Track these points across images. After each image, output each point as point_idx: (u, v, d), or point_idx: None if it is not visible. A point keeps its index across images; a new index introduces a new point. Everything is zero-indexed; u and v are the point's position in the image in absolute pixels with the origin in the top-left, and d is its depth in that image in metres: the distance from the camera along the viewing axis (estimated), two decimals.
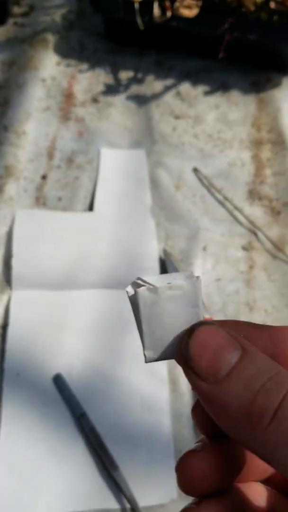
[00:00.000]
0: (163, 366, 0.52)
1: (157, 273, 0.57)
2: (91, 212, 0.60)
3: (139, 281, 0.19)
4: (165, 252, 0.58)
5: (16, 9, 0.76)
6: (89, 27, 0.75)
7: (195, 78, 0.72)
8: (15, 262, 0.55)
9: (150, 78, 0.71)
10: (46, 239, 0.57)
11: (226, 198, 0.62)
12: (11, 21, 0.75)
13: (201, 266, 0.58)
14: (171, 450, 0.48)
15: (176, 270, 0.57)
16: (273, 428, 0.16)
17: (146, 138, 0.66)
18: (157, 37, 0.72)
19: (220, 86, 0.72)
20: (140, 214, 0.60)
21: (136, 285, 0.19)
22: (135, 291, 0.19)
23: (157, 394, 0.50)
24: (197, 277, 0.19)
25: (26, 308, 0.53)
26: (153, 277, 0.19)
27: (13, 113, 0.65)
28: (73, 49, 0.72)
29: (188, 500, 0.44)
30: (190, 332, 0.18)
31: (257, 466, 0.20)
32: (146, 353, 0.19)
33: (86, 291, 0.55)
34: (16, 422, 0.48)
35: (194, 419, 0.20)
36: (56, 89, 0.68)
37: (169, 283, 0.19)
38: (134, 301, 0.19)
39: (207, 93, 0.71)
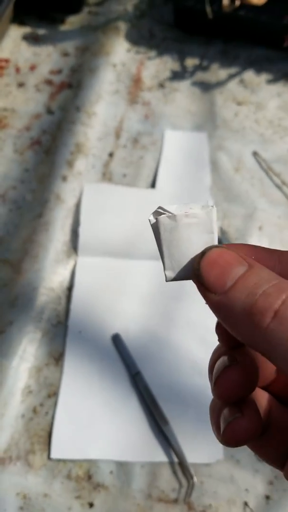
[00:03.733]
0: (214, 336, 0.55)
1: None
2: (153, 189, 0.63)
3: (160, 210, 0.21)
4: (221, 230, 0.61)
5: None
6: (159, 17, 0.79)
7: (259, 67, 0.74)
8: (81, 231, 0.59)
9: (215, 66, 0.74)
10: (111, 211, 0.61)
11: (284, 183, 0.64)
12: (85, 10, 0.79)
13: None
14: None
15: None
16: (273, 326, 0.17)
17: (209, 123, 0.69)
18: (224, 26, 0.75)
19: (283, 75, 0.73)
20: (200, 193, 0.63)
21: (157, 214, 0.21)
22: (157, 219, 0.21)
23: (208, 359, 0.53)
24: (212, 207, 0.21)
25: (90, 272, 0.57)
26: (173, 206, 0.21)
27: (85, 95, 0.69)
28: (143, 37, 0.76)
29: (232, 462, 0.47)
30: (202, 253, 0.20)
31: (261, 373, 0.23)
32: (166, 273, 0.21)
33: (145, 262, 0.59)
34: (77, 374, 0.52)
35: (217, 334, 0.23)
36: (126, 74, 0.72)
37: (186, 212, 0.21)
38: (155, 228, 0.21)
39: (270, 82, 0.73)
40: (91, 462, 0.49)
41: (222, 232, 0.60)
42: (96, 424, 0.51)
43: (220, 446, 0.50)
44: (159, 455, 0.50)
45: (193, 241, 0.21)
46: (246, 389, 0.22)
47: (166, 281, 0.22)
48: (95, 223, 0.60)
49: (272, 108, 0.70)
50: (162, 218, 0.21)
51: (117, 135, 0.67)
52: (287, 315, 0.17)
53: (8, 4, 0.72)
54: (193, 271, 0.20)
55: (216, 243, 0.21)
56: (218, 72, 0.73)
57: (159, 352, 0.54)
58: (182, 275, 0.21)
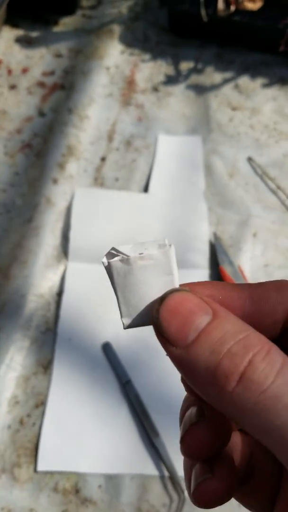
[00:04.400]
0: None
1: (207, 255, 0.58)
2: (146, 193, 0.62)
3: (113, 251, 0.19)
4: (215, 236, 0.59)
5: (85, 2, 0.80)
6: (153, 20, 0.78)
7: (254, 71, 0.73)
8: (72, 235, 0.58)
9: (209, 69, 0.73)
10: (102, 216, 0.60)
11: (279, 187, 0.63)
12: (79, 12, 0.79)
13: (250, 252, 0.59)
14: None
15: (225, 254, 0.58)
16: (239, 391, 0.16)
17: (203, 126, 0.68)
18: (218, 31, 0.74)
19: (278, 79, 0.72)
20: (193, 197, 0.62)
21: (110, 255, 0.19)
22: (109, 263, 0.19)
23: None
24: (170, 246, 0.19)
25: (80, 278, 0.56)
26: (128, 246, 0.19)
27: (78, 98, 0.68)
28: (137, 40, 0.75)
29: None
30: (161, 299, 0.18)
31: None
32: (123, 320, 0.20)
33: None
34: (65, 383, 0.51)
35: (183, 384, 0.21)
36: (119, 76, 0.71)
37: (141, 253, 0.19)
38: (108, 271, 0.19)
39: (265, 86, 0.72)
40: (79, 475, 0.47)
41: (216, 238, 0.59)
42: (85, 435, 0.49)
43: None
44: (149, 468, 0.48)
45: (151, 284, 0.19)
46: (215, 448, 0.20)
47: (124, 328, 0.20)
48: (86, 228, 0.59)
49: (267, 112, 0.69)
50: (114, 262, 0.19)
51: (110, 138, 0.66)
52: (253, 378, 0.16)
53: (1, 5, 0.71)
54: (152, 320, 0.18)
55: (177, 285, 0.19)
56: (213, 76, 0.72)
57: (150, 361, 0.53)
58: (140, 322, 0.20)
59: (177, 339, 0.17)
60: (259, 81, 0.72)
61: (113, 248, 0.19)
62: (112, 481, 0.47)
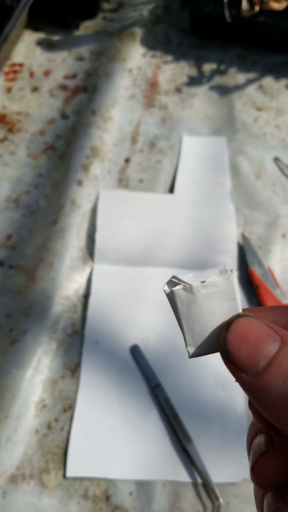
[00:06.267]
0: None
1: (236, 257, 0.57)
2: (171, 194, 0.61)
3: (175, 280, 0.19)
4: (243, 237, 0.58)
5: (106, 5, 0.80)
6: (175, 22, 0.77)
7: (278, 72, 0.72)
8: (98, 237, 0.57)
9: (233, 70, 0.72)
10: (128, 217, 0.59)
11: None
12: (100, 15, 0.78)
13: (279, 253, 0.57)
14: (245, 429, 0.48)
15: (254, 255, 0.57)
16: None
17: (227, 127, 0.67)
18: (242, 32, 0.74)
19: None
20: (220, 198, 0.61)
21: (172, 284, 0.19)
22: (172, 290, 0.19)
23: None
24: (231, 271, 0.19)
25: (107, 280, 0.55)
26: (188, 275, 0.20)
27: (101, 99, 0.67)
28: (159, 42, 0.75)
29: None
30: (227, 326, 0.18)
31: None
32: (188, 349, 0.20)
33: (163, 269, 0.56)
34: (93, 387, 0.50)
35: (251, 411, 0.21)
36: (142, 78, 0.71)
37: (204, 281, 0.19)
38: (171, 299, 0.19)
39: None
40: (110, 482, 0.46)
41: (244, 240, 0.58)
42: (115, 440, 0.48)
43: (246, 464, 0.47)
44: (182, 475, 0.46)
45: (215, 311, 0.19)
46: (287, 476, 0.19)
47: (189, 357, 0.20)
48: (112, 229, 0.58)
49: None
50: (178, 291, 0.19)
51: (133, 140, 0.66)
52: None
53: (23, 9, 0.71)
54: (220, 347, 0.18)
55: (240, 310, 0.20)
56: (236, 76, 0.72)
57: (179, 364, 0.51)
58: (206, 350, 0.20)
59: (247, 366, 0.17)
60: (284, 82, 0.71)
61: (174, 277, 0.19)
62: (143, 488, 0.46)
